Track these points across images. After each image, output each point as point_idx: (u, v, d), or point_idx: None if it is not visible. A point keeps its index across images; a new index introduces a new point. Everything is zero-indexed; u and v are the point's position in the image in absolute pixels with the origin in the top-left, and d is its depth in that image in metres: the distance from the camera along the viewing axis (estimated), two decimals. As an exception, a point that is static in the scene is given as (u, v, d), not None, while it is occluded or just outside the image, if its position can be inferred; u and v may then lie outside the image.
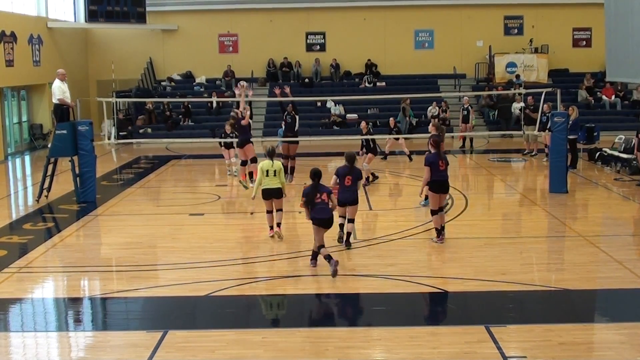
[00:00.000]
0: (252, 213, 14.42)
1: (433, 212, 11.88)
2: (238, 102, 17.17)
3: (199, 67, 32.02)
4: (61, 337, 8.43)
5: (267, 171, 11.98)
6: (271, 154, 12.09)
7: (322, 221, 10.37)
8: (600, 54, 27.32)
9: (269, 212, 12.27)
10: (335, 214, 11.16)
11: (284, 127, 18.43)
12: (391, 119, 22.12)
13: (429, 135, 13.31)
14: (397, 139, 21.08)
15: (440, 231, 11.86)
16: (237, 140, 16.90)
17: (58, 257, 11.80)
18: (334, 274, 9.94)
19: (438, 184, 11.73)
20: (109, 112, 24.42)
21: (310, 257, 10.67)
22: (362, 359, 7.56)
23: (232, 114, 17.52)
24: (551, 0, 31.44)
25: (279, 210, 12.31)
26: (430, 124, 14.63)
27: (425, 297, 9.49)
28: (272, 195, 12.05)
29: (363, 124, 18.40)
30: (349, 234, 11.82)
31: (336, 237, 11.85)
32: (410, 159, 21.03)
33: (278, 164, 12.13)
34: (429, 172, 11.61)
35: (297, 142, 18.22)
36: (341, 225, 11.87)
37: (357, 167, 12.06)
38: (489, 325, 8.11)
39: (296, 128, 17.94)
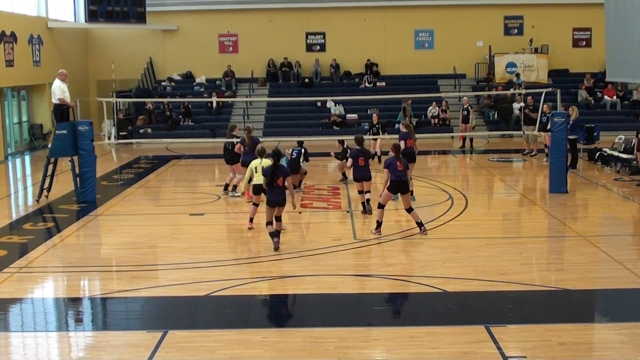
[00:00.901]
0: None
1: (380, 206, 12.42)
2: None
3: (199, 67, 32.02)
4: (61, 337, 8.43)
5: (256, 168, 12.59)
6: (261, 153, 12.71)
7: (275, 203, 11.58)
8: (600, 54, 27.33)
9: (255, 204, 12.94)
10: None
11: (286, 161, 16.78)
12: (374, 114, 21.95)
13: (399, 134, 15.31)
14: (375, 139, 20.71)
15: (380, 224, 12.41)
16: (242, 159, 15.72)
17: (58, 257, 11.80)
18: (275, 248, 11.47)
19: (395, 183, 12.22)
20: (109, 112, 24.43)
21: (271, 237, 11.62)
22: (362, 359, 7.57)
23: (248, 126, 16.86)
24: (551, 0, 31.44)
25: None
26: (401, 124, 16.13)
27: (425, 297, 9.49)
28: (262, 190, 12.47)
29: (337, 144, 18.24)
30: (368, 200, 13.98)
31: (337, 237, 12.27)
32: (380, 161, 20.47)
33: (267, 161, 12.39)
34: (388, 174, 12.25)
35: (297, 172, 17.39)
36: (363, 204, 14.05)
37: (366, 148, 14.48)
38: (489, 325, 8.11)
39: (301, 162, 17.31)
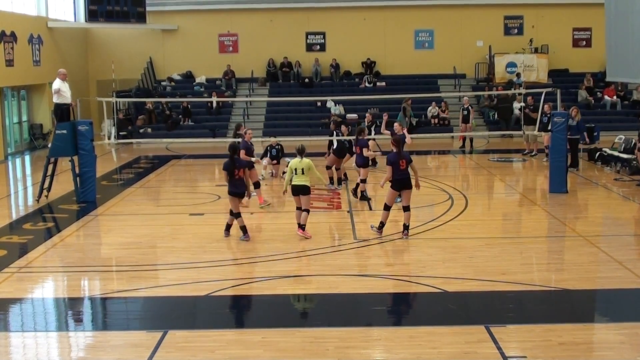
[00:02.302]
0: (252, 213, 14.44)
1: (386, 207, 12.38)
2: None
3: (199, 67, 32.01)
4: (61, 337, 8.43)
5: (296, 169, 12.41)
6: (300, 152, 12.53)
7: (237, 194, 12.34)
8: (600, 54, 27.32)
9: (298, 208, 12.55)
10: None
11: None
12: (368, 114, 20.70)
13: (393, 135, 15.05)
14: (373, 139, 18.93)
15: (382, 225, 12.38)
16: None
17: (58, 257, 11.80)
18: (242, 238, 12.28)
19: (399, 182, 12.21)
20: (109, 112, 24.40)
21: (224, 229, 12.51)
22: (362, 359, 7.57)
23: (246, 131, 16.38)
24: (551, 0, 31.44)
25: (305, 210, 12.43)
26: (397, 124, 16.24)
27: (425, 297, 9.49)
28: (299, 191, 12.42)
29: (343, 127, 17.88)
30: (363, 191, 15.25)
31: (337, 237, 12.54)
32: (375, 164, 19.52)
33: (306, 161, 12.42)
34: (391, 171, 12.20)
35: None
36: (362, 193, 15.30)
37: (362, 139, 15.47)
38: (489, 325, 8.11)
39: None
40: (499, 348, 7.54)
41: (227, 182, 12.41)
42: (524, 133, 22.12)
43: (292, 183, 12.52)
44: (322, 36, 32.08)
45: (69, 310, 9.39)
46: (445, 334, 8.02)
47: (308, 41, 32.14)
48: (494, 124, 28.14)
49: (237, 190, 12.35)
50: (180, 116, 29.13)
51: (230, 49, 32.06)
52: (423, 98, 27.16)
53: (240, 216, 12.25)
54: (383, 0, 31.42)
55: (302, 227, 12.40)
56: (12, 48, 24.63)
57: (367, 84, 30.78)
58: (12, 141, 25.93)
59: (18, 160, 24.87)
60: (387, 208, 12.36)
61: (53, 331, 8.61)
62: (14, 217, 15.27)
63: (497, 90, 28.06)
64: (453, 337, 7.94)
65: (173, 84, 31.50)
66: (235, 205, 12.32)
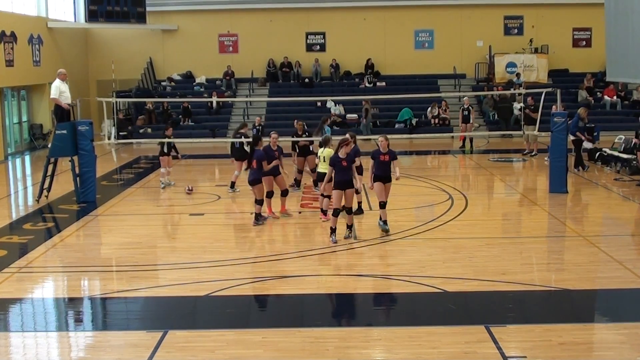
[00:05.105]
0: (251, 213, 14.41)
1: (335, 212, 11.94)
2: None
3: (199, 67, 32.02)
4: (61, 337, 8.43)
5: (324, 157, 13.68)
6: (325, 142, 13.87)
7: (250, 182, 13.39)
8: (600, 54, 27.33)
9: (327, 196, 13.33)
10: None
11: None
12: (297, 122, 17.23)
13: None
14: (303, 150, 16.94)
15: (351, 227, 12.25)
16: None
17: (58, 257, 11.80)
18: None
19: (344, 183, 11.90)
20: (109, 112, 24.41)
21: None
22: (362, 359, 7.56)
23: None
24: (551, 0, 31.45)
25: (327, 197, 13.35)
26: (348, 135, 14.20)
27: (425, 297, 9.49)
28: (323, 178, 13.21)
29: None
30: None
31: (337, 237, 12.13)
32: (299, 185, 16.94)
33: (328, 150, 13.62)
34: (332, 173, 11.97)
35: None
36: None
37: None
38: (489, 325, 8.11)
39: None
40: (499, 348, 7.54)
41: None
42: (524, 133, 22.12)
43: (318, 170, 13.89)
44: (322, 36, 32.09)
45: (69, 310, 9.39)
46: (445, 334, 8.02)
47: (308, 41, 32.14)
48: (494, 124, 28.14)
49: (249, 178, 13.45)
50: (180, 116, 29.13)
51: (230, 49, 32.08)
52: (423, 98, 27.15)
53: (259, 204, 13.29)
54: (383, 0, 31.44)
55: (324, 212, 13.35)
56: (12, 48, 24.63)
57: (367, 84, 30.78)
58: (12, 141, 25.94)
59: (18, 161, 24.87)
60: (337, 213, 11.96)
61: (53, 331, 8.60)
62: (14, 217, 15.27)
63: (497, 90, 28.06)
64: (453, 337, 7.93)
65: (173, 84, 31.51)
66: (257, 192, 13.29)
